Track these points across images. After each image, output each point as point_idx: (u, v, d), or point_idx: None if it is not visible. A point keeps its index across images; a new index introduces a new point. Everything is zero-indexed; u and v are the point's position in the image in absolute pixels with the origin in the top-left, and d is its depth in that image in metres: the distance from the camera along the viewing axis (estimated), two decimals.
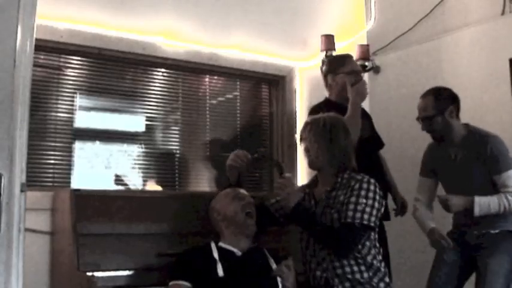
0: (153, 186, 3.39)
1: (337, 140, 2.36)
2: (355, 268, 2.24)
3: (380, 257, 2.33)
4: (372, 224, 2.25)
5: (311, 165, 2.43)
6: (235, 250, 2.32)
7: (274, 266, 2.30)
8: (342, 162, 2.37)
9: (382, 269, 2.30)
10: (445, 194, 2.82)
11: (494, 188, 2.70)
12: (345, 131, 2.41)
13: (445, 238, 2.73)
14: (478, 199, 2.64)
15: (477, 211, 2.64)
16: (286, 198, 2.30)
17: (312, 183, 2.49)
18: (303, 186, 2.57)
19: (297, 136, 2.57)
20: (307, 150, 2.42)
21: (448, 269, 2.83)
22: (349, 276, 2.24)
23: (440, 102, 2.81)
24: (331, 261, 2.27)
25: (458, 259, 2.82)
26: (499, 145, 2.76)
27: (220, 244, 2.35)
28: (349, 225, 2.21)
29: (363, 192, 2.25)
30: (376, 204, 2.26)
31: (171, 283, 2.24)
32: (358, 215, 2.21)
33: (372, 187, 2.28)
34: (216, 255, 2.27)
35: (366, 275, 2.24)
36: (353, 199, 2.24)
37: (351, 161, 2.40)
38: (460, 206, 2.69)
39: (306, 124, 2.46)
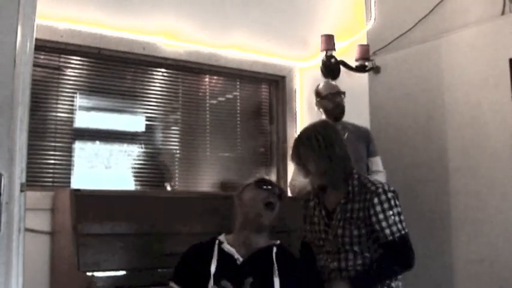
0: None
1: (334, 151, 2.27)
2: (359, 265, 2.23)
3: None
4: (406, 230, 2.22)
5: (317, 185, 2.34)
6: (236, 256, 2.15)
7: (276, 273, 2.11)
8: (345, 168, 2.30)
9: None
10: None
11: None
12: (336, 136, 2.34)
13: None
14: None
15: None
16: None
17: (319, 191, 2.38)
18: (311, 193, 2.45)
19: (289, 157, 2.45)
20: (307, 172, 2.32)
21: None
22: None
23: None
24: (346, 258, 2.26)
25: None
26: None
27: (223, 246, 2.18)
28: (392, 243, 2.18)
29: (385, 205, 2.20)
30: (400, 209, 2.24)
31: (169, 284, 2.21)
32: (394, 228, 2.19)
33: (389, 194, 2.23)
34: (215, 260, 2.12)
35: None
36: (381, 216, 2.19)
37: (351, 161, 2.34)
38: None
39: (297, 145, 2.33)
